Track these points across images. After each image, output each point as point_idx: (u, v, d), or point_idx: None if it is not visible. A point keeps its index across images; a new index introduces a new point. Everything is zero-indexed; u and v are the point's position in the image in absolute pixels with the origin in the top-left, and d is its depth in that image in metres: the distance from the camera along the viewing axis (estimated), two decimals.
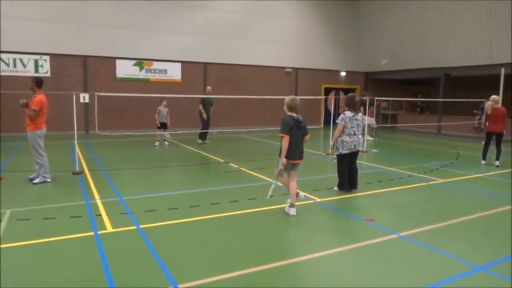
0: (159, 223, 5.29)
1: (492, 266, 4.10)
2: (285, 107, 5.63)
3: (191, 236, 4.90)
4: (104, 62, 16.95)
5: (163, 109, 12.93)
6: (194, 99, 16.81)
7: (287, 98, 5.63)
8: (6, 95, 14.05)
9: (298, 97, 5.68)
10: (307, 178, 8.40)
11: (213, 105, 13.06)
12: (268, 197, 6.06)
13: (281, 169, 5.59)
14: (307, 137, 5.78)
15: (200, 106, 13.15)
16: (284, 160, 5.49)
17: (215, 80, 18.85)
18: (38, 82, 7.32)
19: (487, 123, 10.45)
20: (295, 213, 5.66)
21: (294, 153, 5.58)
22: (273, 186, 6.00)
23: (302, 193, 6.14)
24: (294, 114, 5.57)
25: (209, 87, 13.50)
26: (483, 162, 10.43)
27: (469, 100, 18.01)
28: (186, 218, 5.51)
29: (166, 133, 13.21)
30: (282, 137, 5.46)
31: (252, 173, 8.50)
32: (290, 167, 5.74)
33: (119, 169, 9.08)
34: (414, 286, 3.65)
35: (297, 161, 5.71)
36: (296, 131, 5.52)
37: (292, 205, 5.71)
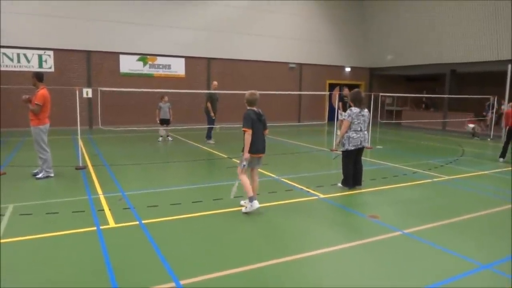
0: (162, 218, 5.27)
1: (497, 265, 4.05)
2: (245, 102, 5.56)
3: (193, 232, 4.88)
4: (108, 57, 16.95)
5: (164, 105, 12.86)
6: (198, 94, 16.78)
7: (246, 93, 5.58)
8: (11, 90, 14.07)
9: (257, 92, 5.60)
10: (311, 174, 8.36)
11: (218, 100, 12.79)
12: (232, 197, 5.70)
13: (245, 165, 5.45)
14: (267, 131, 5.73)
15: (209, 104, 12.35)
16: (247, 155, 5.41)
17: (219, 76, 18.79)
18: (40, 77, 7.32)
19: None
20: (258, 205, 5.47)
21: (259, 147, 5.56)
22: (236, 184, 5.70)
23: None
24: (255, 108, 5.56)
25: (215, 82, 13.18)
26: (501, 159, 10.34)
27: (475, 96, 17.85)
28: (189, 213, 5.49)
29: (161, 130, 13.06)
30: (245, 131, 5.42)
31: None
32: (256, 162, 5.68)
33: (122, 164, 9.07)
34: (417, 284, 3.61)
35: (261, 155, 5.69)
36: (258, 125, 5.51)
37: (252, 198, 5.46)
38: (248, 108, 5.55)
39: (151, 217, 5.28)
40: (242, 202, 5.86)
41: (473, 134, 17.17)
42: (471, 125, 17.32)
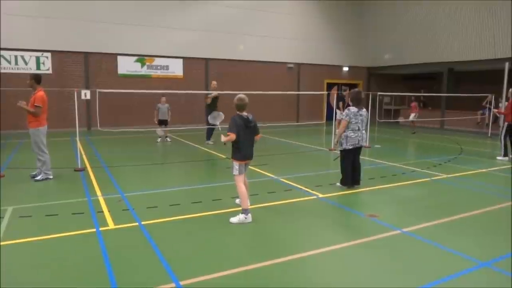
0: (161, 219, 5.28)
1: (496, 262, 4.06)
2: (234, 107, 5.33)
3: (193, 232, 4.88)
4: (106, 58, 16.94)
5: (162, 106, 12.86)
6: (196, 95, 16.80)
7: (235, 99, 5.31)
8: (8, 92, 14.05)
9: (246, 97, 5.32)
10: (310, 173, 8.37)
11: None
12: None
13: (237, 169, 5.31)
14: (258, 136, 5.49)
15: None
16: (224, 138, 5.28)
17: (217, 76, 18.77)
18: (38, 79, 7.32)
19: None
20: (251, 220, 5.20)
21: (246, 153, 5.34)
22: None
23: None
24: (244, 114, 5.30)
25: (214, 82, 13.43)
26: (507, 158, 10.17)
27: (473, 95, 17.89)
28: (188, 214, 5.49)
29: (159, 130, 13.03)
30: (229, 135, 5.20)
31: (254, 169, 8.47)
32: (244, 168, 5.43)
33: (121, 165, 9.07)
34: (417, 282, 3.62)
35: (248, 161, 5.48)
36: (245, 131, 5.25)
37: (247, 211, 5.22)
38: (237, 113, 5.30)
39: (150, 218, 5.28)
40: (237, 201, 5.87)
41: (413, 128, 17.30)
42: (413, 114, 17.25)
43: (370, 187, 7.16)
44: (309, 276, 3.78)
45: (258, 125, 5.48)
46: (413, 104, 17.55)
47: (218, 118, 6.47)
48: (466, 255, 4.21)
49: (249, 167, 8.70)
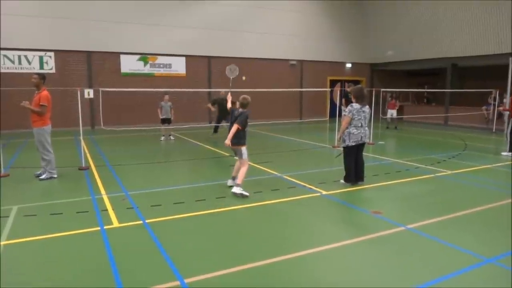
0: (165, 217, 5.29)
1: (501, 259, 4.04)
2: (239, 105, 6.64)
3: (197, 230, 4.89)
4: (108, 57, 16.96)
5: (165, 104, 12.88)
6: (199, 93, 16.82)
7: (240, 98, 6.63)
8: (13, 92, 14.09)
9: (248, 97, 6.56)
10: (313, 171, 8.36)
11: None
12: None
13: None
14: (234, 127, 6.41)
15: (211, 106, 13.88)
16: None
17: (219, 74, 18.75)
18: (45, 78, 7.38)
19: None
20: (240, 192, 6.19)
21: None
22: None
23: (239, 191, 6.28)
24: (239, 109, 6.55)
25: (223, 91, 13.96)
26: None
27: (477, 90, 17.78)
28: (192, 212, 5.50)
29: (162, 128, 13.12)
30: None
31: (257, 166, 8.48)
32: (233, 151, 6.81)
33: (124, 164, 9.09)
34: (422, 279, 3.61)
35: (231, 146, 6.56)
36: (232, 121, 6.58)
37: (237, 185, 6.30)
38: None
39: (154, 216, 5.30)
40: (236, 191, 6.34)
41: (394, 125, 17.41)
42: (392, 111, 17.40)
43: (374, 184, 7.14)
44: (314, 273, 3.78)
45: (249, 122, 6.67)
46: (392, 101, 17.66)
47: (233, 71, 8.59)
48: (471, 252, 4.20)
49: (252, 164, 8.67)
